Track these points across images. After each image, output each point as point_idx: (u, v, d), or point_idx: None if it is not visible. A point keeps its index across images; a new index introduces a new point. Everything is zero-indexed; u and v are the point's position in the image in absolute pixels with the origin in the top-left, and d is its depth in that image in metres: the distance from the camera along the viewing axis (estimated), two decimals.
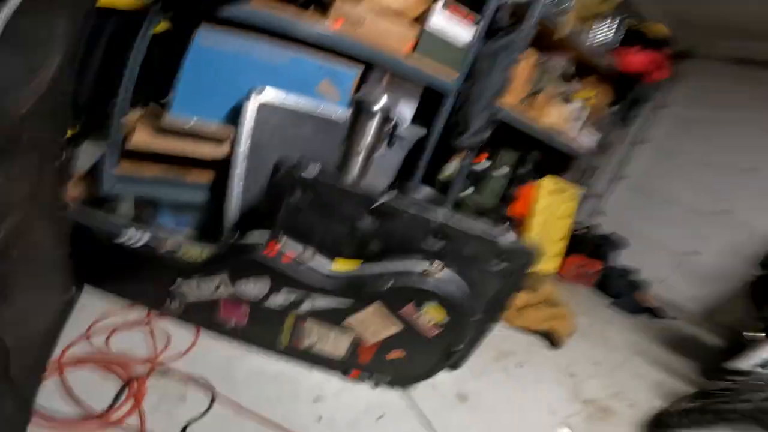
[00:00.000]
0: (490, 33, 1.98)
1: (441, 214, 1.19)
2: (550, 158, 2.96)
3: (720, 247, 3.30)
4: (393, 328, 1.19)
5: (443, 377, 1.40)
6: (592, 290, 3.18)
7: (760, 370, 1.70)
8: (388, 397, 1.32)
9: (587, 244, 3.40)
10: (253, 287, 1.19)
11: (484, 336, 1.40)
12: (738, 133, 3.61)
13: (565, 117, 2.69)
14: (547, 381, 1.74)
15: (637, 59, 2.87)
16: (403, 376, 1.33)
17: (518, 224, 2.89)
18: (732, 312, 2.91)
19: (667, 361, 2.30)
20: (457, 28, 1.86)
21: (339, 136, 1.62)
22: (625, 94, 3.22)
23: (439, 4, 1.78)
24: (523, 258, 1.24)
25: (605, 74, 2.98)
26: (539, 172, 2.92)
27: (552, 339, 2.03)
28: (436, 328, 1.19)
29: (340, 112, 1.67)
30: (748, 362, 1.73)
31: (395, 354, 1.25)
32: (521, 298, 2.11)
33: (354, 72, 1.69)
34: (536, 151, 2.76)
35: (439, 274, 1.18)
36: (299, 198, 1.19)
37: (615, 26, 2.82)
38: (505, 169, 2.64)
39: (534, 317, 2.06)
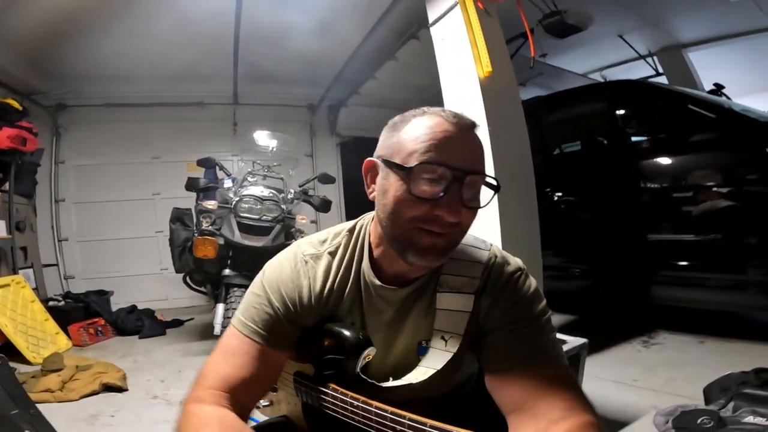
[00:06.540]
0: None
1: None
2: None
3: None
4: None
5: None
6: (116, 339, 3.25)
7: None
8: None
9: (79, 309, 3.35)
10: None
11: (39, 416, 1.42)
12: (121, 170, 4.45)
13: None
14: (146, 409, 1.86)
15: (3, 136, 2.80)
16: None
17: None
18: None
19: (207, 348, 2.88)
20: None
21: None
22: (10, 168, 3.11)
23: None
24: None
25: None
26: None
27: (115, 388, 2.01)
28: None
29: None
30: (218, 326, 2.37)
31: None
32: (53, 380, 1.90)
33: None
34: None
35: None
36: None
37: None
38: None
39: (81, 384, 2.01)
